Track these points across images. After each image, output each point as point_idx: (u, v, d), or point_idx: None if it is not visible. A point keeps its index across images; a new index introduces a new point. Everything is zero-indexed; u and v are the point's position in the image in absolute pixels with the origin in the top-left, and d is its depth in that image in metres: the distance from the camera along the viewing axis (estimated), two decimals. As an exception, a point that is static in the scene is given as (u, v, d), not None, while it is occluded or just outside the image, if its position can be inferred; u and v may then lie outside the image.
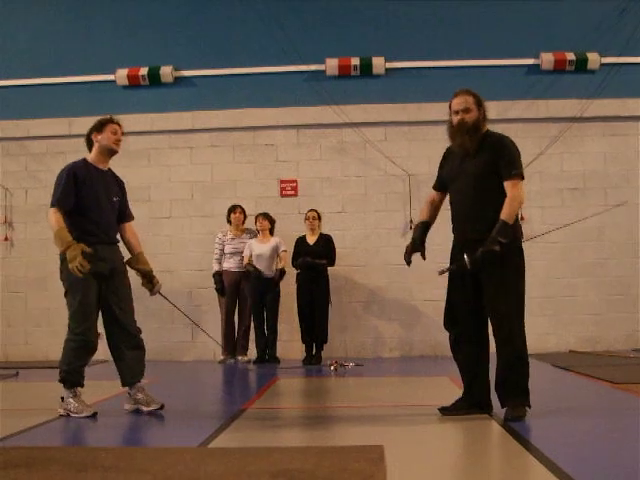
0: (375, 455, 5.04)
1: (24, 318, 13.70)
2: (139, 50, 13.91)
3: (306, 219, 12.79)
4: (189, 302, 13.55)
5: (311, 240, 12.69)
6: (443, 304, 12.90)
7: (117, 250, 7.94)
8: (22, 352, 13.43)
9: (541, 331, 13.12)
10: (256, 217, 12.92)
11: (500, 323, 6.79)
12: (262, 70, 13.69)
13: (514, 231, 6.63)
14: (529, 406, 6.61)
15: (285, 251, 12.70)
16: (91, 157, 7.75)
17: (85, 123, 13.68)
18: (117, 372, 7.79)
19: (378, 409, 7.55)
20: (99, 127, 7.73)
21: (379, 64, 13.52)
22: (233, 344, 12.83)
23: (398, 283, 13.28)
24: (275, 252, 12.70)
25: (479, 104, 6.91)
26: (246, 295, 12.77)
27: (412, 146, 13.46)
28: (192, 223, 13.71)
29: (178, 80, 13.95)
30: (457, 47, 13.49)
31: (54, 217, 7.32)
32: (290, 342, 12.99)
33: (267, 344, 12.63)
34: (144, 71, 13.85)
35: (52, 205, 7.41)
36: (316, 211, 12.82)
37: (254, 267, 12.46)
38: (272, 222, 12.86)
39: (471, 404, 6.83)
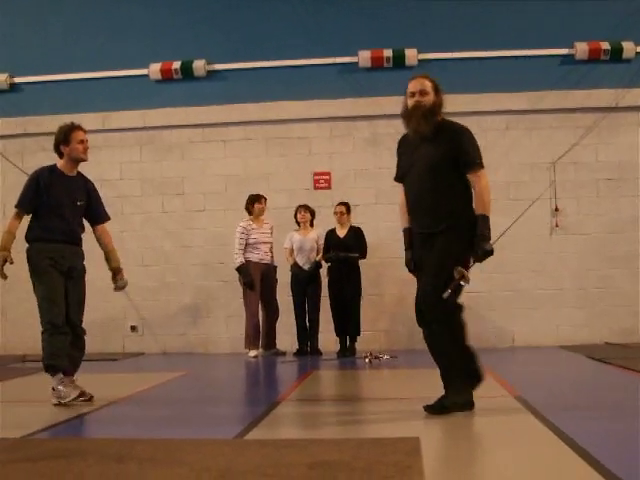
0: (411, 447, 5.03)
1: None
2: (172, 44, 13.93)
3: (335, 213, 12.77)
4: (224, 294, 13.58)
5: (341, 233, 12.70)
6: (476, 295, 12.98)
7: (78, 251, 8.27)
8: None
9: (575, 323, 13.06)
10: (297, 209, 12.89)
11: None
12: (295, 63, 13.67)
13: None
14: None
15: (322, 244, 12.74)
16: (60, 164, 8.15)
17: (119, 118, 14.01)
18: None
19: (413, 401, 7.54)
20: (64, 139, 8.07)
21: (412, 55, 13.46)
22: (260, 337, 12.75)
23: (432, 275, 13.24)
24: (315, 244, 12.73)
25: (437, 90, 6.81)
26: (270, 287, 12.69)
27: (446, 137, 13.41)
28: (226, 216, 13.72)
29: (211, 74, 13.96)
30: (490, 37, 13.39)
31: (11, 219, 7.88)
32: (323, 334, 12.96)
33: (308, 336, 12.63)
34: (177, 65, 13.88)
35: (15, 206, 7.93)
36: (345, 204, 12.79)
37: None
38: (313, 214, 12.87)
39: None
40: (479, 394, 6.91)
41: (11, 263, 7.66)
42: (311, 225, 12.85)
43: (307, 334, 12.68)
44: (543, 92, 13.28)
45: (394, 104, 13.23)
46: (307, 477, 4.38)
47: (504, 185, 13.17)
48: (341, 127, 13.66)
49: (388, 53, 13.46)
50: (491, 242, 6.53)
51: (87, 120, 13.84)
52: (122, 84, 14.11)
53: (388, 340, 13.23)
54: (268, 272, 12.64)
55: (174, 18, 14.07)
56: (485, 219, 6.50)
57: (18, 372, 10.64)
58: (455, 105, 13.16)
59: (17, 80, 14.44)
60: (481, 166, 6.55)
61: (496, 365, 10.22)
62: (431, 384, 8.99)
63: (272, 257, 12.73)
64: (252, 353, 12.57)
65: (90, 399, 7.75)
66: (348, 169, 13.56)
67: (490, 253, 6.54)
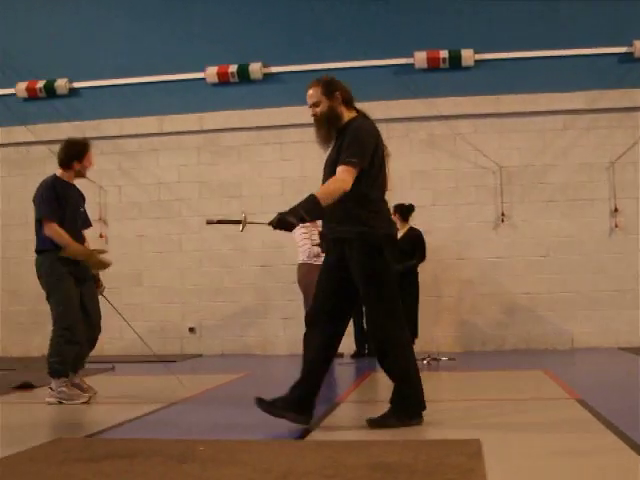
0: (473, 449, 5.03)
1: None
2: (228, 47, 14.00)
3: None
4: (282, 297, 13.63)
5: (397, 236, 12.52)
6: (535, 296, 12.91)
7: None
8: (117, 346, 13.60)
9: (635, 324, 12.88)
10: None
11: None
12: (350, 65, 13.62)
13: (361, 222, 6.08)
14: None
15: None
16: (62, 174, 8.45)
17: (176, 121, 14.12)
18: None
19: (472, 403, 7.52)
20: (81, 156, 8.38)
21: (468, 56, 13.39)
22: None
23: (489, 276, 13.18)
24: None
25: (329, 93, 6.37)
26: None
27: (503, 138, 13.33)
28: (283, 218, 13.73)
29: (267, 76, 14.01)
30: (547, 36, 13.27)
31: (58, 230, 8.08)
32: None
33: (365, 339, 12.57)
34: (233, 68, 13.95)
35: (48, 219, 8.10)
36: (397, 208, 12.40)
37: None
38: None
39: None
40: (539, 396, 6.87)
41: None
42: None
43: (364, 336, 12.64)
44: (601, 91, 13.13)
45: (451, 105, 13.36)
46: (369, 479, 4.39)
47: (562, 186, 13.08)
48: (397, 128, 13.61)
49: (444, 54, 13.40)
50: (293, 219, 5.80)
51: (144, 123, 14.13)
52: (179, 87, 14.22)
53: (446, 342, 13.17)
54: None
55: (230, 21, 14.13)
56: (310, 198, 5.87)
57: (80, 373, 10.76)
58: (511, 105, 13.26)
59: (76, 85, 14.61)
60: (353, 164, 5.96)
61: (555, 367, 10.17)
62: (489, 386, 8.98)
63: None
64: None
65: (94, 394, 8.19)
66: (405, 170, 13.52)
67: (278, 225, 5.88)
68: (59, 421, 7.27)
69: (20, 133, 14.50)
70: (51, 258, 8.10)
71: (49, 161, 14.10)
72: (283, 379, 10.46)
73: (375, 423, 6.22)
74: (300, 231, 12.46)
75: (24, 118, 14.46)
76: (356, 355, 12.53)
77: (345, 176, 5.95)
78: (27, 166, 14.57)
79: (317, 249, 11.90)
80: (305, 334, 6.59)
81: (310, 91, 6.48)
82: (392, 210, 12.39)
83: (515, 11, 13.40)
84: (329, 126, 6.33)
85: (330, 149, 6.36)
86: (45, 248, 8.15)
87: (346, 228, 6.13)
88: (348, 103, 6.40)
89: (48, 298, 8.22)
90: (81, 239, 8.45)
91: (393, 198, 13.12)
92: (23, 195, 14.16)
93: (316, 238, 11.98)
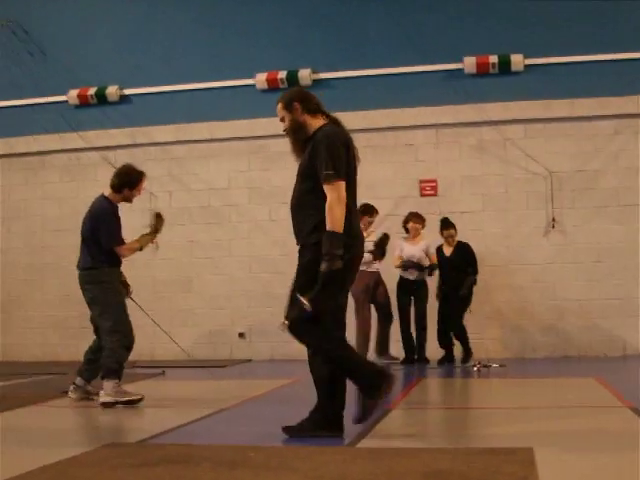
0: (526, 457, 4.99)
1: (169, 318, 13.91)
2: (277, 54, 14.03)
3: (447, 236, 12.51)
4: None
5: (448, 251, 12.47)
6: (587, 302, 12.80)
7: None
8: (167, 351, 13.66)
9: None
10: (408, 217, 12.64)
11: None
12: (400, 70, 13.63)
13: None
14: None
15: (433, 253, 12.50)
16: (111, 196, 8.74)
17: (226, 127, 14.18)
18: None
19: (524, 410, 7.47)
20: (133, 185, 8.69)
21: (518, 61, 13.32)
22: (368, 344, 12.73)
23: (540, 282, 13.08)
24: (424, 254, 12.49)
25: (289, 106, 6.36)
26: (384, 294, 12.63)
27: (553, 143, 13.23)
28: (334, 224, 13.73)
29: (316, 82, 14.00)
30: (597, 40, 13.12)
31: (128, 248, 8.67)
32: (428, 342, 12.89)
33: (414, 345, 12.50)
34: (283, 74, 13.98)
35: (116, 245, 8.57)
36: (451, 227, 12.45)
37: (412, 262, 12.34)
38: (424, 223, 12.63)
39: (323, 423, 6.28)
40: (591, 403, 6.81)
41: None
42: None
43: (413, 342, 12.58)
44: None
45: (500, 110, 13.29)
46: (421, 486, 4.38)
47: (612, 191, 12.96)
48: (447, 134, 13.59)
49: (494, 59, 13.34)
50: (338, 262, 5.87)
51: (195, 130, 14.22)
52: (229, 94, 14.28)
53: (496, 349, 13.09)
54: (379, 279, 12.57)
55: (279, 28, 14.17)
56: (331, 236, 5.88)
57: (130, 377, 10.82)
58: (561, 110, 13.17)
59: (127, 92, 14.74)
60: (333, 177, 5.95)
61: (607, 374, 10.07)
62: (541, 393, 8.92)
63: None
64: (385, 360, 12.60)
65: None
66: (454, 176, 13.48)
67: (330, 276, 5.91)
68: (111, 426, 7.33)
69: (72, 140, 14.67)
70: (104, 272, 8.47)
71: (100, 167, 14.31)
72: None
73: (289, 430, 6.23)
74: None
75: (76, 125, 14.62)
76: (405, 361, 12.46)
77: (332, 195, 5.94)
78: (78, 172, 14.75)
79: (369, 256, 11.88)
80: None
81: (277, 108, 6.50)
82: (453, 231, 12.23)
83: (564, 15, 13.28)
84: (295, 138, 6.38)
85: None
86: (95, 265, 8.54)
87: (315, 235, 6.04)
88: (313, 111, 6.37)
89: (99, 308, 8.51)
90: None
91: (443, 204, 13.22)
92: (75, 201, 14.37)
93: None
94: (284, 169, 13.83)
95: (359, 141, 13.80)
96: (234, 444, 5.86)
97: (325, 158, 5.98)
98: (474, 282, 12.21)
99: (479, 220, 13.31)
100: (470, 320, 12.36)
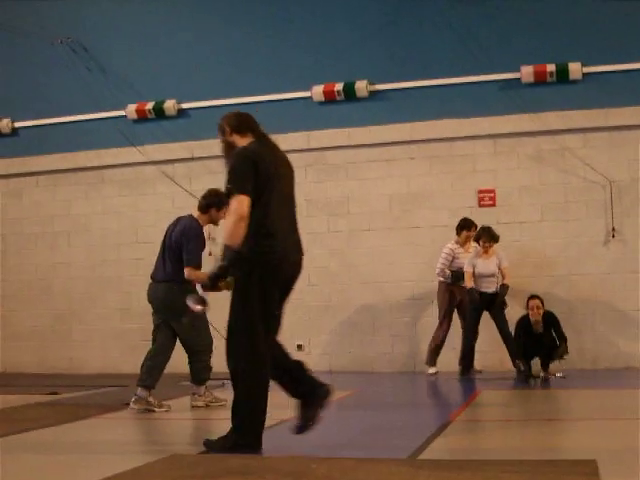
0: (589, 470, 4.95)
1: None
2: (334, 66, 14.06)
3: (530, 308, 11.69)
4: (390, 314, 13.62)
5: (537, 327, 11.63)
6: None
7: None
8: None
9: None
10: (479, 234, 12.35)
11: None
12: (457, 80, 13.58)
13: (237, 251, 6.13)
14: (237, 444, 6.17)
15: (506, 267, 12.27)
16: (199, 217, 9.23)
17: (284, 139, 13.91)
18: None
19: (587, 422, 7.40)
20: (220, 206, 9.00)
21: (576, 69, 13.20)
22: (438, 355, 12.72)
23: (600, 292, 12.94)
24: (497, 268, 12.28)
25: (221, 129, 6.78)
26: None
27: (613, 152, 13.09)
28: (391, 235, 13.75)
29: (373, 94, 14.02)
30: (657, 48, 13.05)
31: (198, 275, 8.65)
32: (489, 353, 12.83)
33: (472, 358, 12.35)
34: (339, 86, 14.00)
35: (196, 266, 8.83)
36: (537, 298, 11.76)
37: (476, 293, 12.09)
38: (497, 240, 12.33)
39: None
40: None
41: None
42: None
43: (473, 356, 12.46)
44: None
45: (558, 119, 13.19)
46: (485, 498, 4.36)
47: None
48: (505, 144, 13.51)
49: (551, 68, 13.23)
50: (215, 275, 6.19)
51: (252, 143, 14.22)
52: (286, 106, 14.32)
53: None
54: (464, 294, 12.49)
55: (335, 39, 14.19)
56: (224, 248, 6.19)
57: (186, 390, 10.89)
58: (621, 118, 13.03)
59: (184, 106, 14.86)
60: (232, 191, 6.19)
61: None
62: (603, 405, 8.82)
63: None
64: (431, 370, 12.64)
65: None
66: (513, 186, 13.39)
67: (208, 286, 6.28)
68: (174, 437, 7.37)
69: (130, 154, 14.81)
70: (183, 288, 8.53)
71: (159, 181, 14.45)
72: (391, 397, 10.48)
73: (209, 444, 6.27)
74: (444, 251, 12.55)
75: (134, 139, 14.76)
76: (463, 374, 12.35)
77: (230, 208, 6.22)
78: (137, 186, 14.89)
79: (449, 272, 12.43)
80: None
81: None
82: (539, 302, 11.63)
83: (622, 22, 13.16)
84: (225, 157, 6.70)
85: None
86: (179, 280, 8.87)
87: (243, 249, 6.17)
88: (240, 131, 6.72)
89: (177, 321, 8.94)
90: None
91: (501, 213, 13.14)
92: (134, 215, 14.53)
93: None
94: (341, 181, 13.93)
95: (415, 152, 13.90)
96: (296, 455, 5.86)
97: (229, 174, 6.29)
98: (565, 349, 11.61)
99: (538, 230, 13.21)
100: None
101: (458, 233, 12.76)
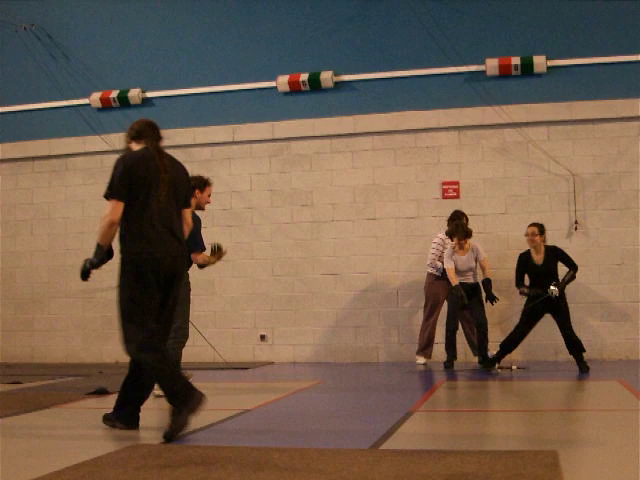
0: (550, 460, 4.97)
1: (192, 320, 13.93)
2: (299, 57, 14.06)
3: (525, 235, 11.66)
4: (353, 305, 13.64)
5: (538, 259, 11.50)
6: (610, 305, 12.69)
7: None
8: (188, 353, 13.66)
9: None
10: (454, 229, 12.09)
11: None
12: (422, 72, 13.63)
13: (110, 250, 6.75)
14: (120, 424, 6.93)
15: (486, 258, 12.20)
16: None
17: (248, 130, 14.22)
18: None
19: (547, 413, 7.45)
20: (202, 187, 9.50)
21: (540, 63, 13.26)
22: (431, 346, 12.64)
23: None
24: (474, 262, 12.17)
25: (125, 136, 7.17)
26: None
27: (576, 145, 13.17)
28: (355, 226, 13.78)
29: (338, 85, 14.03)
30: (620, 42, 13.07)
31: (202, 257, 9.28)
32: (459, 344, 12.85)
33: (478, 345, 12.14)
34: (305, 77, 13.99)
35: (201, 250, 9.27)
36: (537, 225, 11.64)
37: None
38: (470, 235, 12.20)
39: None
40: (615, 407, 6.77)
41: None
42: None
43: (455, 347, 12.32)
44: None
45: (523, 112, 13.27)
46: (445, 488, 4.38)
47: (637, 193, 12.87)
48: (469, 136, 13.57)
49: (516, 61, 13.30)
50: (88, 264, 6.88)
51: (217, 132, 14.26)
52: (251, 96, 14.32)
53: (516, 351, 12.93)
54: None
55: (301, 30, 14.18)
56: (96, 246, 6.79)
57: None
58: (585, 112, 13.12)
59: (149, 95, 14.79)
60: (108, 196, 6.64)
61: (631, 377, 10.02)
62: (563, 396, 8.89)
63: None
64: (420, 360, 12.57)
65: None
66: (477, 178, 13.45)
67: (82, 274, 6.99)
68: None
69: (94, 143, 14.74)
70: (187, 274, 8.92)
71: (123, 170, 14.34)
72: (354, 387, 10.49)
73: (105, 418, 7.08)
74: (434, 241, 12.49)
75: (98, 128, 14.68)
76: (447, 366, 12.20)
77: (107, 209, 6.62)
78: (101, 175, 14.77)
79: (440, 264, 12.38)
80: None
81: None
82: (534, 230, 11.48)
83: (587, 16, 13.25)
84: None
85: None
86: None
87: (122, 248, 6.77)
88: (135, 138, 7.05)
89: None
90: None
91: (465, 205, 13.18)
92: (98, 203, 14.40)
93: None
94: (305, 171, 13.92)
95: (379, 144, 13.92)
96: (258, 445, 5.86)
97: (110, 179, 6.69)
98: (571, 277, 11.41)
99: (501, 222, 13.28)
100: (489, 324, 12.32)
101: (449, 224, 12.53)
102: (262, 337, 14.03)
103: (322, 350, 13.84)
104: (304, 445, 5.89)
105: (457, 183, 13.53)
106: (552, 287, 11.10)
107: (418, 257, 13.35)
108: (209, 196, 9.58)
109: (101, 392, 9.41)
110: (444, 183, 13.58)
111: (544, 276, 11.37)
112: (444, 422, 7.32)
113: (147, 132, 7.01)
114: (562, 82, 13.28)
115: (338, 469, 4.89)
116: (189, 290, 9.29)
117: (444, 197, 13.56)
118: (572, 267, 11.44)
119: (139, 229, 6.62)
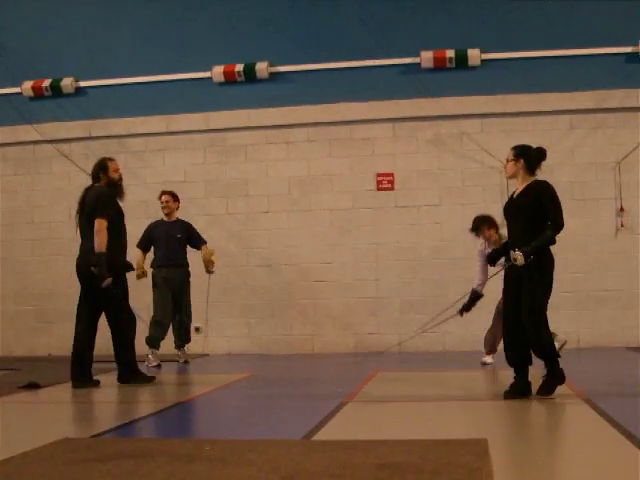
0: (480, 449, 5.02)
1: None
2: (234, 47, 13.99)
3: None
4: (288, 296, 13.64)
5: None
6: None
7: None
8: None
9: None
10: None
11: None
12: (357, 64, 13.66)
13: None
14: None
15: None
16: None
17: (183, 120, 14.12)
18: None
19: (478, 403, 7.51)
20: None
21: (475, 55, 13.37)
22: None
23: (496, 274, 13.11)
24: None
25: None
26: None
27: (509, 137, 13.19)
28: (290, 217, 13.77)
29: (274, 76, 14.00)
30: (554, 36, 13.21)
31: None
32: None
33: None
34: (240, 67, 13.94)
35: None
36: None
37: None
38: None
39: None
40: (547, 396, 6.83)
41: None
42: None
43: None
44: (608, 91, 13.11)
45: (457, 105, 13.36)
46: (375, 478, 4.38)
47: (568, 185, 12.98)
48: (404, 128, 13.62)
49: (451, 53, 13.38)
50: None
51: (151, 123, 14.16)
52: (186, 87, 14.23)
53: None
54: None
55: (237, 21, 14.12)
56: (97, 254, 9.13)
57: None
58: (518, 105, 13.25)
59: (82, 84, 14.63)
60: (97, 216, 9.15)
61: (563, 367, 10.12)
62: (493, 386, 8.97)
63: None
64: (488, 359, 11.17)
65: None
66: (411, 170, 13.51)
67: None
68: (65, 421, 7.26)
69: (26, 132, 14.53)
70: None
71: (55, 160, 14.23)
72: (288, 378, 10.49)
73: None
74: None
75: (30, 117, 14.48)
76: None
77: (96, 226, 9.21)
78: (33, 165, 14.62)
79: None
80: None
81: None
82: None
83: (521, 11, 13.37)
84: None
85: None
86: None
87: None
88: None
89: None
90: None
91: (400, 197, 13.24)
92: (29, 194, 14.25)
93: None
94: (240, 163, 13.89)
95: (315, 135, 13.93)
96: (190, 438, 5.83)
97: None
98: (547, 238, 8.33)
99: (436, 214, 13.36)
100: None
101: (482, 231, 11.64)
102: (197, 329, 13.94)
103: (257, 342, 13.82)
104: (236, 437, 5.88)
105: (392, 175, 13.58)
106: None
107: (352, 249, 13.40)
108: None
109: (32, 386, 9.29)
110: (379, 175, 13.62)
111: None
112: (377, 412, 7.34)
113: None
114: (496, 75, 13.39)
115: (269, 460, 4.88)
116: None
117: (379, 189, 13.60)
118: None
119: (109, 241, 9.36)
